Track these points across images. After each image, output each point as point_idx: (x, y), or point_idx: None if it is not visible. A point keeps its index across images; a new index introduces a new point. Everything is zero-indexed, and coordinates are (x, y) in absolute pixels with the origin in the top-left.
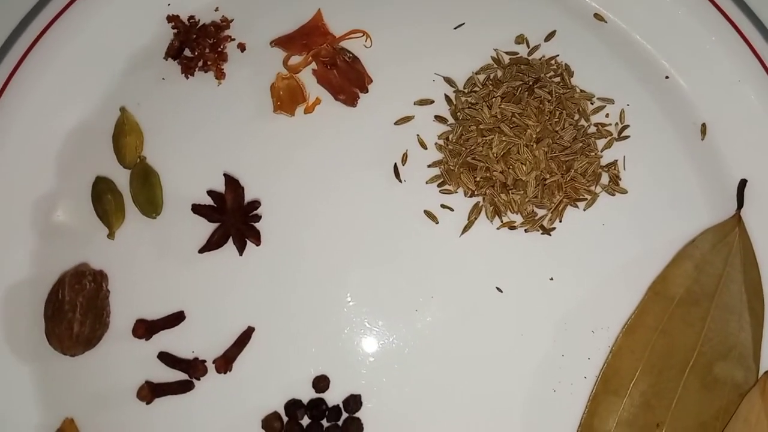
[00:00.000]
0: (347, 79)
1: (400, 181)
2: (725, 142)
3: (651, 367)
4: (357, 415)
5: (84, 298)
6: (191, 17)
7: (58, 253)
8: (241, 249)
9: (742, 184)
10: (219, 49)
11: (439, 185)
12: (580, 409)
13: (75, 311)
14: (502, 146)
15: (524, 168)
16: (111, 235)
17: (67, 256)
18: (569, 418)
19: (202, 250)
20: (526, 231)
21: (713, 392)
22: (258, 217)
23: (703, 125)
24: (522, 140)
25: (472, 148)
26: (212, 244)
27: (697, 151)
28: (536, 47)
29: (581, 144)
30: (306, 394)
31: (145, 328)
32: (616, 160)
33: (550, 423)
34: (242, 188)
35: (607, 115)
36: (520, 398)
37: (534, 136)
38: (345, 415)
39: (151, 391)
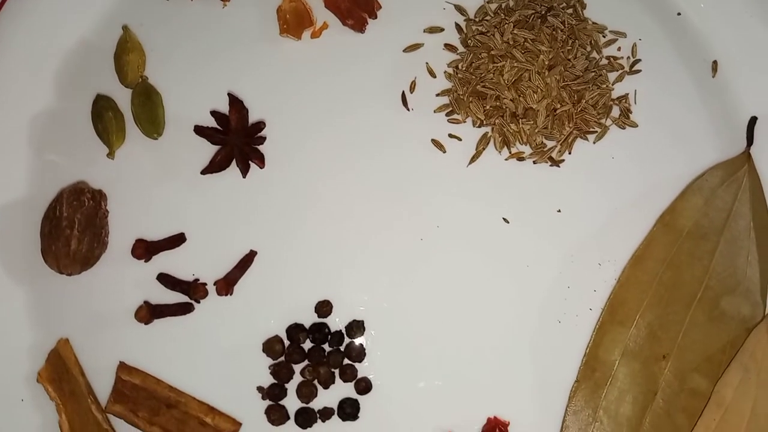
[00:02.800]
0: (356, 4)
1: (408, 110)
2: (736, 79)
3: (658, 298)
4: (359, 340)
5: (82, 215)
6: None
7: (55, 173)
8: (244, 171)
9: (752, 121)
10: None
11: (447, 114)
12: (585, 340)
13: (73, 228)
14: (514, 72)
15: (535, 96)
16: (111, 155)
17: (66, 176)
18: (574, 349)
19: (204, 172)
20: (534, 162)
21: (720, 326)
22: (262, 139)
23: (714, 62)
24: (534, 67)
25: (483, 75)
26: (215, 165)
27: (708, 87)
28: None
29: (593, 74)
30: (308, 319)
31: (144, 248)
32: (627, 94)
33: (554, 354)
34: (246, 109)
35: (618, 49)
36: (525, 329)
37: (546, 62)
38: (347, 340)
39: (149, 312)
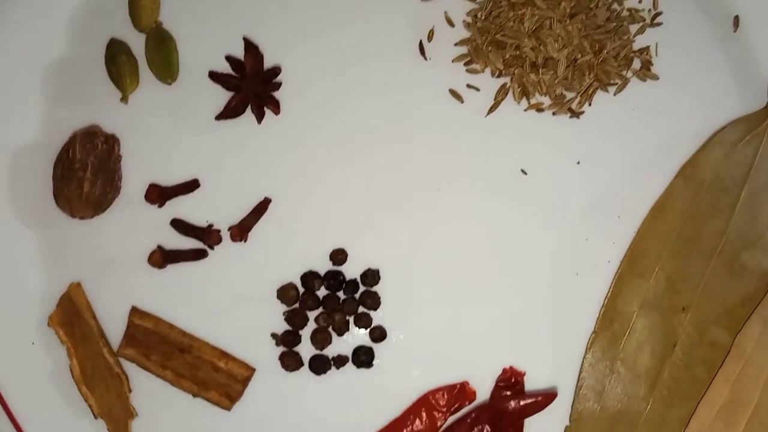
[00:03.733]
0: None
1: (426, 59)
2: (758, 35)
3: (678, 250)
4: (374, 289)
5: (95, 158)
6: None
7: (68, 117)
8: (259, 117)
9: None
10: None
11: (465, 64)
12: (602, 292)
13: (86, 170)
14: (534, 20)
15: (556, 45)
16: (124, 99)
17: (78, 121)
18: (592, 301)
19: (219, 117)
20: (553, 114)
21: (740, 279)
22: (278, 85)
23: (736, 17)
24: (555, 15)
25: (502, 24)
26: (229, 111)
27: (730, 42)
28: None
29: (614, 24)
30: (323, 267)
31: (158, 193)
32: (648, 46)
33: (572, 306)
34: (262, 55)
35: (640, 1)
36: (542, 281)
37: (568, 11)
38: (362, 288)
39: (162, 257)
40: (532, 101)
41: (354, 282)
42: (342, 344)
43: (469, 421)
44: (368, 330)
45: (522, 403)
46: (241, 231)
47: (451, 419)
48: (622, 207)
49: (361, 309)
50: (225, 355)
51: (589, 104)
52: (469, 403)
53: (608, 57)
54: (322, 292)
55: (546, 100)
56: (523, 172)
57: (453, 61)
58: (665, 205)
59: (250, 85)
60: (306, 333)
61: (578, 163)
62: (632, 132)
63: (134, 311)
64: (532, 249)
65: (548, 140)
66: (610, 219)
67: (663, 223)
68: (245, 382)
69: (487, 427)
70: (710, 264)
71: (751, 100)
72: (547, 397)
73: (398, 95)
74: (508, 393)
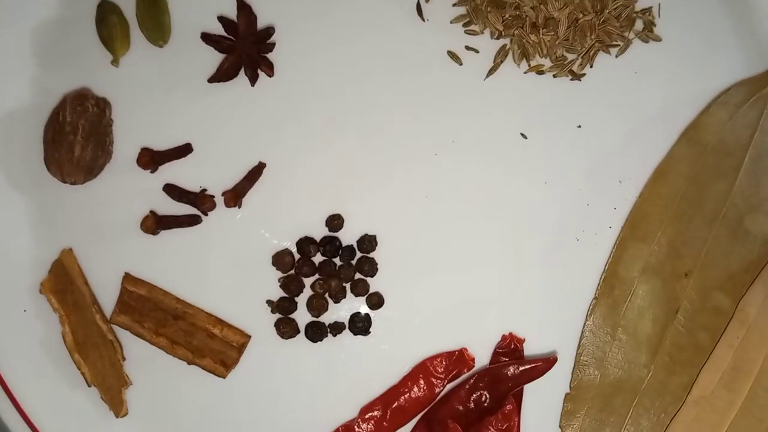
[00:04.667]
0: None
1: (423, 20)
2: None
3: (680, 214)
4: (371, 255)
5: (86, 121)
6: None
7: (58, 82)
8: (252, 79)
9: None
10: None
11: (464, 25)
12: (603, 258)
13: (76, 134)
14: None
15: (557, 4)
16: (115, 62)
17: (68, 85)
18: (592, 267)
19: (211, 80)
20: (554, 76)
21: (743, 245)
22: (272, 46)
23: None
24: None
25: None
26: (222, 73)
27: (734, 3)
28: None
29: None
30: (319, 233)
31: (149, 157)
32: (651, 7)
33: (572, 272)
34: (255, 15)
35: None
36: (542, 247)
37: None
38: (359, 255)
39: (156, 222)
40: (533, 63)
41: (350, 248)
42: (338, 311)
43: (467, 387)
44: (365, 297)
45: (522, 368)
46: (235, 196)
47: (449, 386)
48: (623, 172)
49: (357, 275)
50: (220, 322)
51: (591, 66)
52: (468, 370)
53: (610, 17)
54: (318, 259)
55: (546, 62)
56: (523, 136)
57: (451, 22)
58: (668, 169)
59: (243, 47)
60: (302, 300)
61: (579, 126)
62: (634, 95)
63: (127, 278)
64: (531, 214)
65: (549, 103)
66: (612, 184)
67: (665, 187)
68: (241, 349)
69: (485, 393)
70: (713, 229)
71: (755, 62)
72: (548, 362)
73: (395, 57)
74: (507, 360)
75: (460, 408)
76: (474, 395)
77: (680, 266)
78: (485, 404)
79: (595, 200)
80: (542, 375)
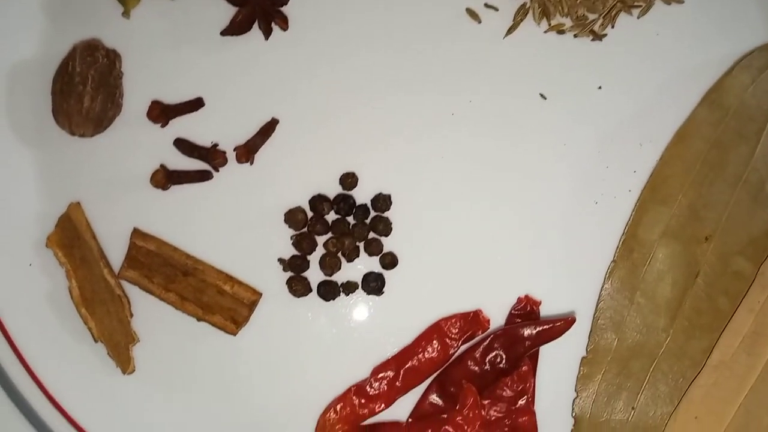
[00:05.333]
0: None
1: None
2: None
3: (702, 177)
4: (385, 215)
5: (96, 71)
6: None
7: (67, 33)
8: (266, 33)
9: None
10: None
11: None
12: (622, 222)
13: (86, 84)
14: None
15: None
16: (126, 14)
17: (78, 36)
18: (611, 231)
19: (224, 33)
20: (575, 36)
21: (765, 209)
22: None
23: None
24: None
25: None
26: (235, 26)
27: None
28: None
29: None
30: (332, 191)
31: (160, 110)
32: None
33: (590, 235)
34: None
35: None
36: (560, 209)
37: None
38: (373, 214)
39: (166, 176)
40: (553, 22)
41: (364, 207)
42: (351, 271)
43: (482, 347)
44: (379, 256)
45: (539, 328)
46: (247, 152)
47: (462, 348)
48: (644, 134)
49: (371, 235)
50: (231, 279)
51: (612, 27)
52: (482, 332)
53: None
54: (331, 217)
55: (567, 22)
56: (542, 96)
57: None
58: (689, 131)
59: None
60: (314, 259)
61: (599, 88)
62: (656, 56)
63: (136, 233)
64: (550, 176)
65: (569, 64)
66: (632, 146)
67: (687, 150)
68: (251, 306)
69: (501, 353)
70: (735, 192)
71: None
72: (567, 322)
73: (413, 14)
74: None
75: (475, 369)
76: (489, 356)
77: (701, 230)
78: (501, 365)
79: (615, 163)
80: (560, 335)
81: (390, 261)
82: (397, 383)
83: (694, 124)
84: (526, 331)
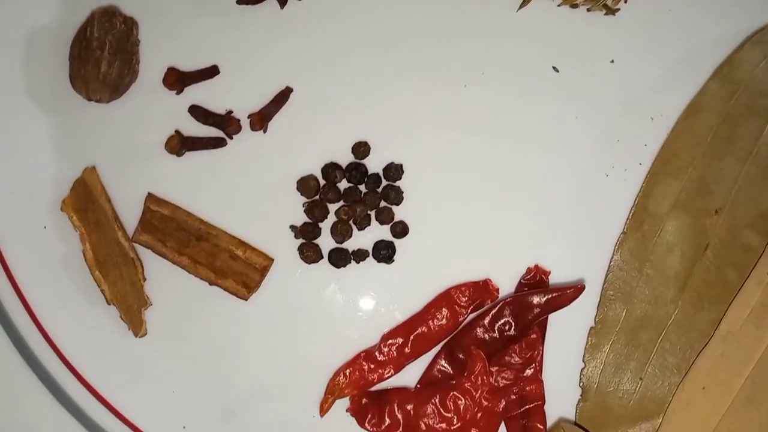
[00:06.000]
0: None
1: None
2: None
3: (712, 151)
4: (397, 184)
5: (113, 37)
6: None
7: (84, 2)
8: (282, 2)
9: None
10: None
11: None
12: (632, 194)
13: (103, 49)
14: None
15: None
16: None
17: (95, 3)
18: (621, 203)
19: (240, 2)
20: (588, 10)
21: None
22: None
23: None
24: None
25: None
26: None
27: None
28: None
29: None
30: (345, 160)
31: (176, 77)
32: None
33: (600, 207)
34: None
35: None
36: (571, 182)
37: None
38: (384, 182)
39: (180, 142)
40: None
41: (376, 176)
42: (362, 238)
43: (491, 315)
44: (390, 225)
45: (549, 296)
46: (261, 119)
47: (472, 316)
48: (655, 108)
49: (383, 203)
50: (243, 244)
51: (625, 1)
52: (492, 301)
53: None
54: (343, 185)
55: None
56: (555, 69)
57: None
58: (700, 105)
59: None
60: (325, 226)
61: (612, 61)
62: (668, 31)
63: (150, 197)
64: (561, 148)
65: (581, 37)
66: (643, 120)
67: (698, 123)
68: (263, 271)
69: (510, 320)
70: (745, 166)
71: None
72: (576, 289)
73: None
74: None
75: (484, 336)
76: (498, 323)
77: (710, 203)
78: (509, 332)
79: (626, 136)
80: (570, 303)
81: (401, 229)
82: (406, 350)
83: (705, 97)
84: (536, 299)
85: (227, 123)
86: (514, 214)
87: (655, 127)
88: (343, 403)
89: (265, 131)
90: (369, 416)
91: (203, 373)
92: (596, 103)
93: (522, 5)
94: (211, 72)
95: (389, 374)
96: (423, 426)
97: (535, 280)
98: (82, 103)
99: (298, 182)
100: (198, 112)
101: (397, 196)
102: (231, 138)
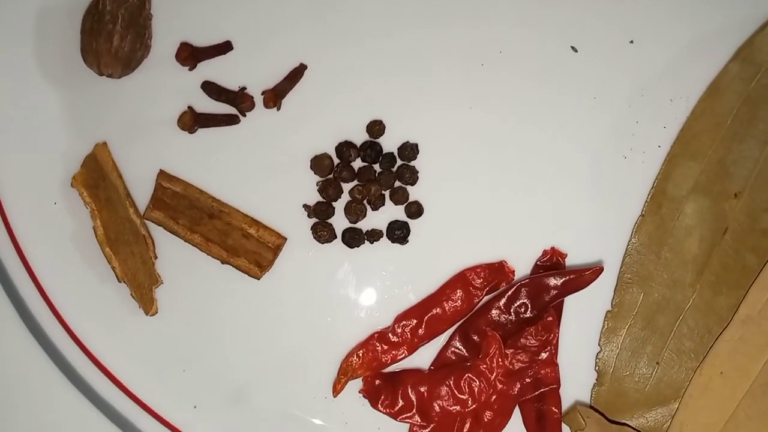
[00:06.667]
0: None
1: None
2: None
3: (733, 133)
4: (412, 164)
5: (126, 11)
6: None
7: None
8: None
9: None
10: None
11: None
12: (651, 177)
13: (116, 23)
14: None
15: None
16: None
17: None
18: (639, 186)
19: None
20: None
21: None
22: None
23: None
24: None
25: None
26: None
27: None
28: None
29: None
30: (359, 139)
31: (189, 52)
32: None
33: (619, 189)
34: None
35: None
36: (588, 163)
37: None
38: (399, 162)
39: (193, 119)
40: None
41: (391, 155)
42: (376, 219)
43: (507, 296)
44: (404, 205)
45: (565, 278)
46: (274, 96)
47: (487, 298)
48: (675, 90)
49: (397, 183)
50: (256, 223)
51: None
52: (507, 283)
53: None
54: (357, 164)
55: None
56: (574, 49)
57: None
58: (721, 86)
59: None
60: (340, 205)
61: (631, 42)
62: (689, 11)
63: (162, 174)
64: (578, 129)
65: (601, 16)
66: (662, 102)
67: (718, 105)
68: (276, 250)
69: (526, 302)
70: (765, 149)
71: None
72: (594, 271)
73: None
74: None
75: (500, 318)
76: (514, 305)
77: (730, 186)
78: (525, 315)
79: (645, 118)
80: (587, 285)
81: (416, 210)
82: (420, 331)
83: (725, 79)
84: (553, 281)
85: (240, 100)
86: (531, 196)
87: (675, 108)
88: (355, 384)
89: (278, 108)
90: (382, 397)
91: (214, 352)
92: (615, 84)
93: None
94: (225, 48)
95: (402, 356)
96: (437, 408)
97: (551, 262)
98: (94, 77)
99: (311, 161)
100: (211, 89)
101: (412, 176)
102: (244, 115)
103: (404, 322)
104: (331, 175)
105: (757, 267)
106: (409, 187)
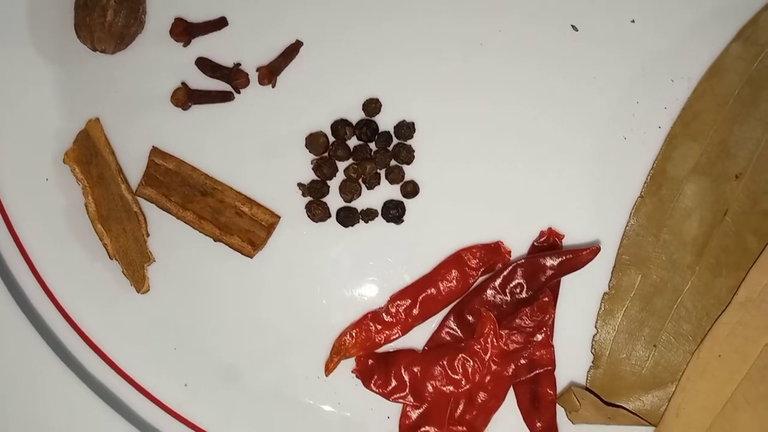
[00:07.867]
0: None
1: None
2: None
3: (734, 114)
4: (408, 143)
5: None
6: None
7: None
8: None
9: None
10: None
11: None
12: (651, 158)
13: None
14: None
15: None
16: None
17: None
18: (639, 166)
19: None
20: None
21: None
22: None
23: None
24: None
25: None
26: None
27: None
28: None
29: None
30: (355, 117)
31: (183, 28)
32: None
33: (618, 170)
34: None
35: None
36: (588, 144)
37: None
38: (395, 141)
39: (187, 95)
40: None
41: (387, 134)
42: (372, 198)
43: (503, 276)
44: (400, 184)
45: (562, 258)
46: (269, 73)
47: (482, 279)
48: (676, 70)
49: (393, 162)
50: (249, 201)
51: None
52: (503, 264)
53: None
54: (353, 143)
55: None
56: (574, 28)
57: None
58: (723, 66)
59: None
60: (334, 184)
61: (633, 21)
62: None
63: (155, 151)
64: (578, 109)
65: None
66: (663, 82)
67: (720, 85)
68: (270, 229)
69: (522, 282)
70: (767, 131)
71: None
72: (591, 251)
73: None
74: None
75: (495, 299)
76: (510, 285)
77: (731, 167)
78: (521, 295)
79: (645, 98)
80: (584, 265)
81: (411, 189)
82: (414, 311)
83: (727, 59)
84: (549, 260)
85: (235, 76)
86: (528, 176)
87: (676, 89)
88: (348, 364)
89: (273, 85)
90: (375, 377)
91: (206, 331)
92: (615, 63)
93: None
94: (220, 23)
95: (396, 336)
96: (430, 388)
97: (548, 243)
98: (87, 53)
99: (306, 138)
100: (205, 65)
101: (408, 155)
102: (238, 92)
103: (398, 302)
104: (326, 154)
105: (758, 249)
106: (404, 167)
